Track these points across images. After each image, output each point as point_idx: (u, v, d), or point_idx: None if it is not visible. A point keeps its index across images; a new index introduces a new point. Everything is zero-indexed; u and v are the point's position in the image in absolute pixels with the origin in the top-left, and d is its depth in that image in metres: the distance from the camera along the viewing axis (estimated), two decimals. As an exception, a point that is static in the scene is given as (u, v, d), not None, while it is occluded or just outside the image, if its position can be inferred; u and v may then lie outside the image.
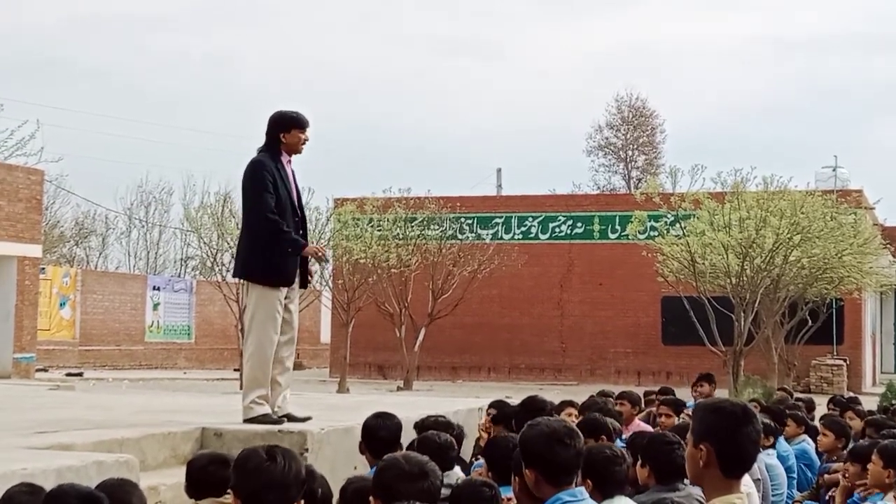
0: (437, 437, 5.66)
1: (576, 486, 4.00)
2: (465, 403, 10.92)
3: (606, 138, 59.20)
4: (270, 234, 7.75)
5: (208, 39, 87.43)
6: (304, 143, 8.02)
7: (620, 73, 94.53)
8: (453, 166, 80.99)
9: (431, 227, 31.06)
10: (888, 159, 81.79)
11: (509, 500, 4.52)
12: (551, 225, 36.39)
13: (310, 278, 8.29)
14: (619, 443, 6.58)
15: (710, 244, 23.65)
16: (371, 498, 4.19)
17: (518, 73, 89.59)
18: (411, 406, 9.27)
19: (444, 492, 4.48)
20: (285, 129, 7.92)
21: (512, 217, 36.55)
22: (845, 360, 32.88)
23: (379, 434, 5.84)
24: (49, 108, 72.22)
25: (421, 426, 6.46)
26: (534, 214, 36.51)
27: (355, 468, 6.68)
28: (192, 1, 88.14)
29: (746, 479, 4.18)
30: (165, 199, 54.28)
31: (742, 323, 22.71)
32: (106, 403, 10.04)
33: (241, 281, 8.78)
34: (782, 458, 8.39)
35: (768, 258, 23.08)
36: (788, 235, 22.98)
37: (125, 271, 50.05)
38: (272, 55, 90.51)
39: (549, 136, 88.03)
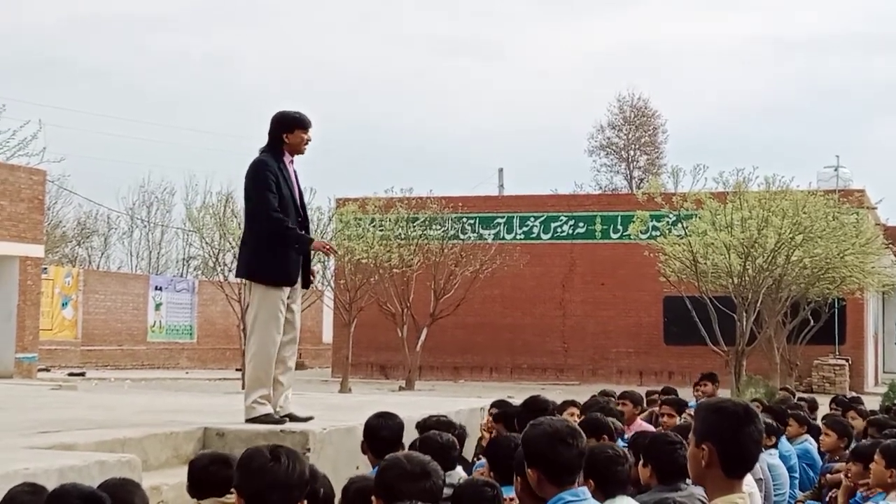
0: (439, 436, 5.66)
1: (578, 485, 4.00)
2: (467, 403, 10.93)
3: (608, 138, 59.21)
4: (276, 233, 7.76)
5: (208, 39, 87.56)
6: (306, 144, 8.02)
7: (621, 73, 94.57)
8: (454, 166, 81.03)
9: (433, 227, 31.06)
10: (890, 159, 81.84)
11: (511, 500, 4.52)
12: (553, 225, 36.39)
13: (312, 278, 8.30)
14: (620, 442, 6.58)
15: (712, 244, 23.63)
16: (373, 498, 4.19)
17: (518, 73, 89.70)
18: (413, 406, 9.26)
19: (447, 491, 4.48)
20: (288, 130, 7.92)
21: (514, 217, 36.55)
22: (847, 360, 32.87)
23: (381, 434, 5.85)
24: (51, 108, 72.15)
25: (423, 426, 6.45)
26: (536, 214, 36.51)
27: (357, 468, 6.68)
28: (193, 1, 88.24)
29: (748, 479, 4.18)
30: (167, 199, 54.42)
31: (744, 323, 22.69)
32: (108, 403, 10.05)
33: (244, 281, 8.79)
34: (784, 458, 8.39)
35: (770, 258, 23.07)
36: (790, 235, 22.97)
37: (127, 271, 50.11)
38: (272, 55, 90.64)
39: (550, 136, 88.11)
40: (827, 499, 7.96)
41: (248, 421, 7.58)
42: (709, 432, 3.31)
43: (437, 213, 31.33)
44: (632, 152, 59.18)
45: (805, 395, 14.79)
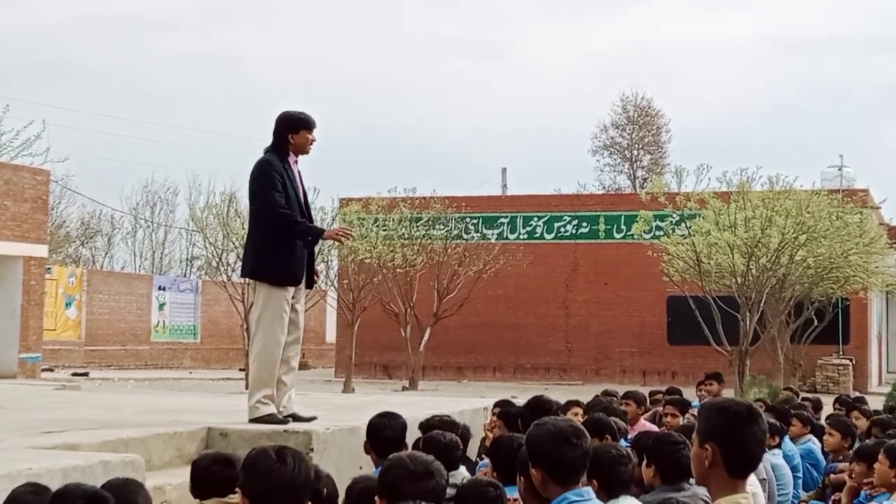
0: (443, 436, 5.66)
1: (582, 485, 3.99)
2: (471, 403, 10.94)
3: (612, 138, 59.20)
4: (285, 228, 7.77)
5: (209, 39, 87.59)
6: (311, 144, 8.04)
7: (621, 73, 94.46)
8: (457, 166, 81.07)
9: (437, 226, 31.03)
10: (893, 159, 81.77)
11: (515, 500, 4.52)
12: (556, 225, 36.38)
13: (315, 278, 8.32)
14: (623, 443, 6.58)
15: (716, 244, 23.62)
16: (376, 497, 4.19)
17: (519, 73, 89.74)
18: (416, 406, 9.27)
19: (450, 492, 4.48)
20: (293, 130, 7.93)
21: (517, 217, 36.54)
22: (851, 360, 32.83)
23: (384, 434, 5.85)
24: (54, 108, 72.40)
25: (426, 426, 6.45)
26: (539, 214, 36.50)
27: (361, 468, 6.68)
28: (196, 2, 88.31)
29: (752, 479, 4.17)
30: (171, 199, 54.48)
31: (748, 322, 22.67)
32: (111, 403, 10.06)
33: (248, 280, 8.80)
34: (787, 458, 8.38)
35: (774, 258, 23.05)
36: (794, 235, 22.95)
37: (131, 271, 50.14)
38: (273, 55, 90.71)
39: (551, 136, 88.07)
40: (831, 499, 7.96)
41: (252, 421, 7.59)
42: (712, 432, 3.30)
43: (441, 212, 31.31)
44: (635, 152, 59.19)
45: (809, 395, 14.79)
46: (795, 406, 10.65)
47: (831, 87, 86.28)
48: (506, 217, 36.58)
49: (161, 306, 40.34)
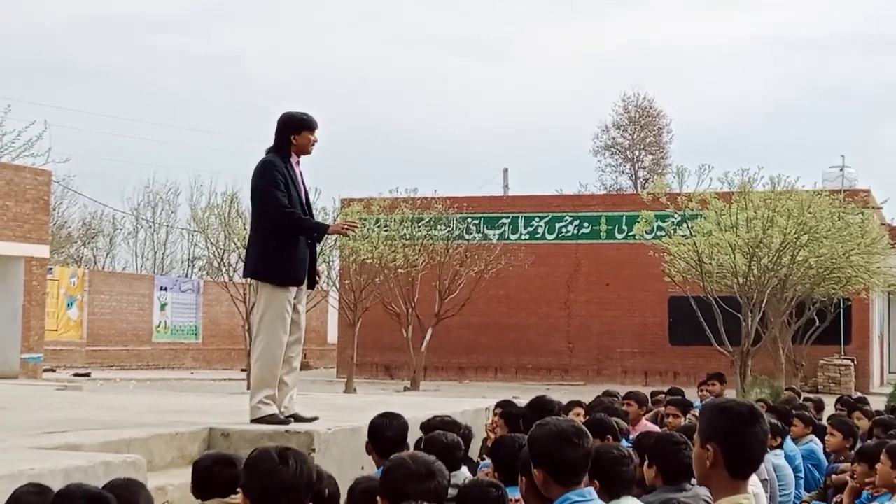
0: (444, 436, 5.66)
1: (584, 486, 4.00)
2: (472, 404, 10.92)
3: (613, 138, 59.19)
4: (291, 226, 7.78)
5: (210, 40, 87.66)
6: (313, 145, 8.05)
7: (622, 74, 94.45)
8: (457, 167, 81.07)
9: (438, 227, 31.04)
10: (893, 159, 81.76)
11: (516, 500, 4.52)
12: (558, 225, 36.37)
13: (317, 279, 8.33)
14: (625, 443, 6.58)
15: (718, 244, 23.62)
16: (378, 498, 4.20)
17: (520, 73, 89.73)
18: (418, 406, 9.27)
19: (451, 492, 4.48)
20: (296, 131, 7.94)
21: (518, 217, 36.54)
22: (853, 361, 32.81)
23: (385, 434, 5.84)
24: (56, 108, 72.45)
25: (427, 426, 6.46)
26: (540, 214, 36.49)
27: (362, 468, 6.68)
28: (196, 2, 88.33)
29: (754, 480, 4.17)
30: (172, 200, 54.47)
31: (749, 323, 22.67)
32: (113, 404, 10.06)
33: (250, 281, 8.81)
34: (789, 459, 8.38)
35: (775, 258, 23.05)
36: (796, 235, 22.95)
37: (132, 272, 50.15)
38: (274, 55, 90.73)
39: (551, 136, 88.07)
40: (832, 499, 7.95)
41: (254, 421, 7.59)
42: (714, 433, 3.30)
43: (442, 213, 31.32)
44: (637, 152, 59.17)
45: (812, 396, 14.78)
46: (797, 406, 10.64)
47: (831, 87, 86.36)
48: (507, 217, 36.58)
49: (163, 307, 40.36)
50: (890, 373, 39.57)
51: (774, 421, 8.20)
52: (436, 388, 29.80)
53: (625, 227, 34.66)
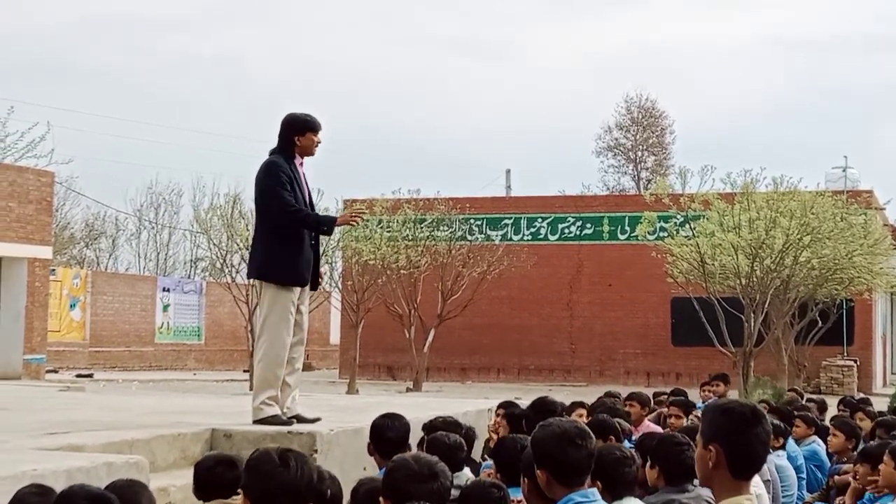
0: (447, 437, 5.66)
1: (587, 487, 3.99)
2: (475, 404, 10.92)
3: (616, 139, 59.20)
4: (299, 223, 7.79)
5: (211, 40, 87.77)
6: (317, 146, 8.05)
7: (622, 74, 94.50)
8: (458, 167, 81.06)
9: (441, 228, 31.04)
10: (893, 159, 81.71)
11: (518, 501, 4.52)
12: (560, 226, 36.37)
13: (320, 280, 8.33)
14: (627, 444, 6.58)
15: (720, 245, 23.60)
16: (381, 499, 4.19)
17: (520, 73, 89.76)
18: (420, 407, 9.28)
19: (454, 493, 4.48)
20: (300, 132, 7.94)
21: (521, 218, 36.53)
22: (855, 361, 32.79)
23: (387, 435, 5.84)
24: (59, 109, 72.43)
25: (430, 427, 6.46)
26: (543, 215, 36.49)
27: (364, 469, 6.68)
28: (197, 2, 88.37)
29: (756, 481, 4.17)
30: (175, 201, 54.50)
31: (752, 324, 22.65)
32: (116, 405, 10.07)
33: (253, 282, 8.82)
34: (791, 459, 8.37)
35: (778, 259, 23.03)
36: (798, 236, 22.93)
37: (135, 273, 50.17)
38: (274, 56, 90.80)
39: (553, 137, 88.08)
40: (835, 500, 7.94)
41: (256, 422, 7.59)
42: (716, 433, 3.30)
43: (445, 214, 31.32)
44: (639, 153, 59.17)
45: (814, 396, 14.76)
46: (799, 407, 10.64)
47: (832, 87, 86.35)
48: (510, 218, 36.58)
49: (165, 308, 40.38)
50: (893, 373, 39.56)
51: (777, 422, 8.19)
52: (438, 388, 29.80)
53: (627, 228, 34.67)
